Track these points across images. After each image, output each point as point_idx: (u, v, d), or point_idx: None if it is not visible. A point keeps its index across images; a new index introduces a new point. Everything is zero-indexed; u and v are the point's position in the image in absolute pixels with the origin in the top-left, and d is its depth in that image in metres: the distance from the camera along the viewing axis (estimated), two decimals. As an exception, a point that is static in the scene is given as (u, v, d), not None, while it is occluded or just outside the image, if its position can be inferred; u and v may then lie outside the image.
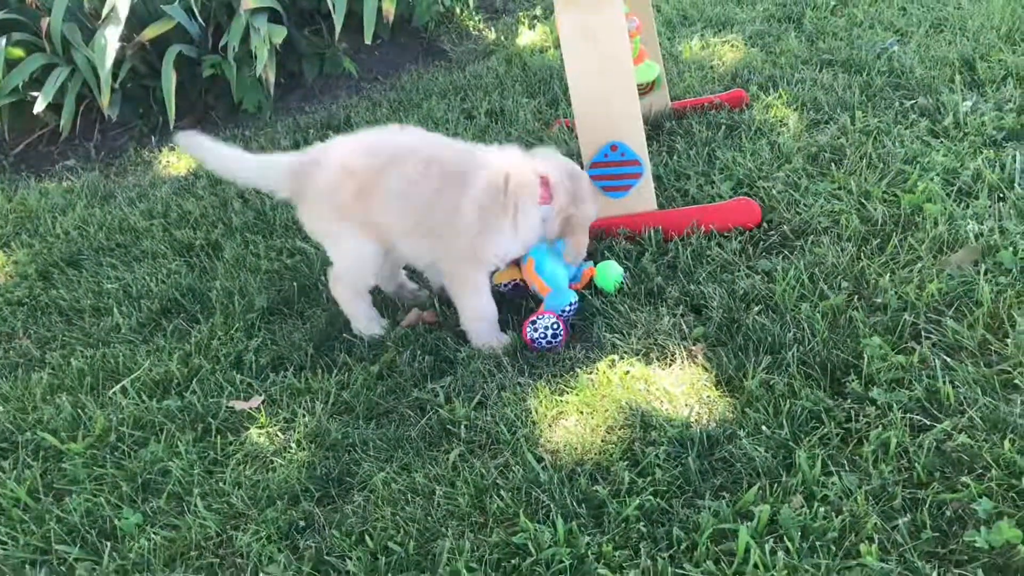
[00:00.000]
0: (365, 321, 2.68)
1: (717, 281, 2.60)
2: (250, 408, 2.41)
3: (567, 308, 2.55)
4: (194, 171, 4.20)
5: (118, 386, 2.57)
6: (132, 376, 2.60)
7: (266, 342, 2.70)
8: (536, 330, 2.49)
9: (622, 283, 2.69)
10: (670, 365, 2.31)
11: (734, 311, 2.44)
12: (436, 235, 2.50)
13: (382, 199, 2.49)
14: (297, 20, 5.19)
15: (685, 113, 3.79)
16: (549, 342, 2.49)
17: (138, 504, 2.14)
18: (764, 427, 2.01)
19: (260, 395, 2.45)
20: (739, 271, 2.63)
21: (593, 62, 2.87)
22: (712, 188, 3.11)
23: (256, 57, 4.68)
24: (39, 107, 4.56)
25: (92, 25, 4.83)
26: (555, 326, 2.48)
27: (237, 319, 2.80)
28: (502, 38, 5.38)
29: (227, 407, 2.42)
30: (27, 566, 1.99)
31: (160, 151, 4.59)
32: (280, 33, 4.71)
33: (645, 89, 3.66)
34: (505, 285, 2.73)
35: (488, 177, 2.48)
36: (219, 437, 2.32)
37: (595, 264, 2.74)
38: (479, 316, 2.54)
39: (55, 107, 4.79)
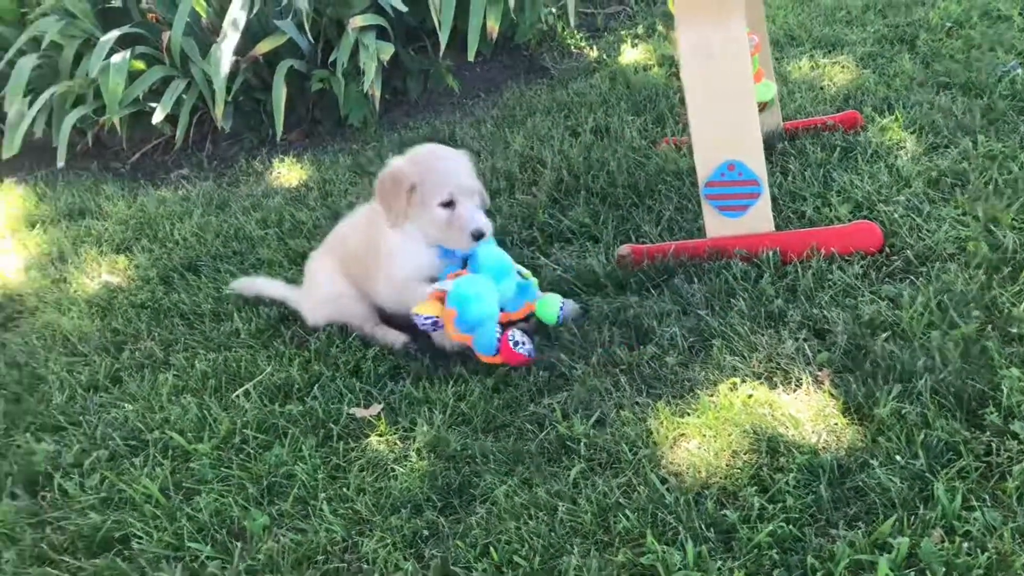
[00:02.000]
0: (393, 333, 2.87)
1: (840, 306, 2.54)
2: (370, 416, 2.44)
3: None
4: (305, 183, 4.30)
5: (241, 389, 2.63)
6: (255, 380, 2.66)
7: (383, 352, 2.74)
8: (518, 344, 2.51)
9: (559, 317, 2.67)
10: (795, 390, 2.27)
11: (859, 337, 2.39)
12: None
13: None
14: (403, 37, 5.28)
15: (797, 134, 3.74)
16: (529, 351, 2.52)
17: (264, 506, 2.18)
18: (898, 457, 1.96)
19: (379, 403, 2.49)
20: (862, 296, 2.57)
21: (713, 79, 2.85)
22: (830, 211, 3.05)
23: (364, 73, 4.78)
24: (157, 118, 4.73)
25: (209, 39, 4.99)
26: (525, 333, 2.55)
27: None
28: (604, 56, 5.39)
29: (348, 414, 2.46)
30: (162, 561, 2.05)
31: (270, 163, 4.71)
32: (388, 50, 4.80)
33: (759, 109, 3.62)
34: (426, 319, 2.55)
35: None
36: (341, 443, 2.36)
37: (535, 299, 2.71)
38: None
39: (171, 118, 4.96)
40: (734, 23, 2.83)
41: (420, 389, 2.51)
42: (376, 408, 2.47)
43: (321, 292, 2.92)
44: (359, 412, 2.45)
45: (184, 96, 4.91)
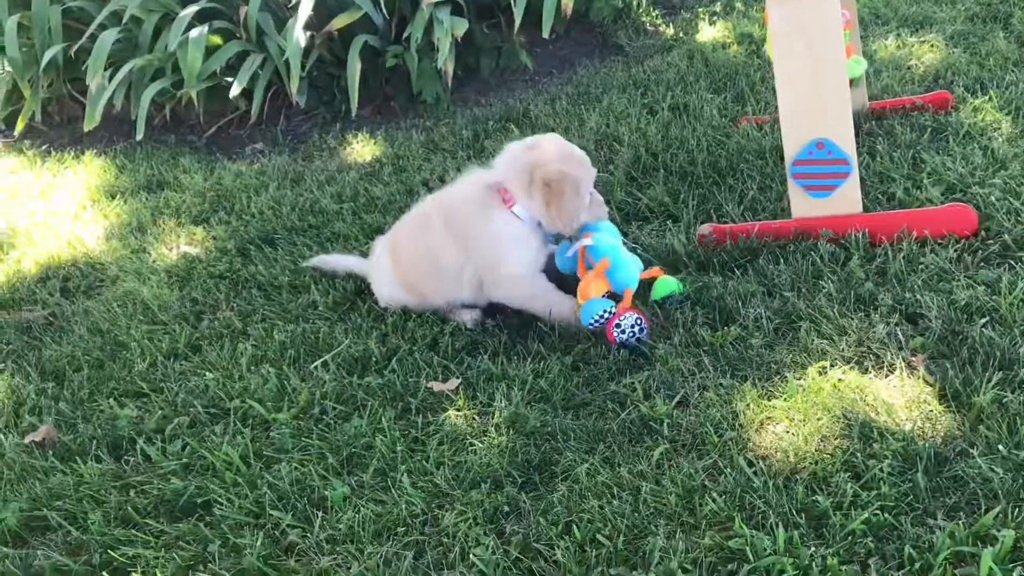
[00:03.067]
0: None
1: (934, 290, 2.45)
2: (448, 390, 2.42)
3: (596, 319, 2.50)
4: (378, 158, 4.29)
5: (319, 360, 2.63)
6: (333, 352, 2.66)
7: (460, 327, 2.72)
8: (623, 331, 2.48)
9: (672, 294, 2.66)
10: (887, 376, 2.19)
11: (955, 322, 2.30)
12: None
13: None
14: (476, 13, 5.24)
15: (885, 113, 3.62)
16: (638, 338, 2.49)
17: (344, 477, 2.18)
18: (1000, 446, 1.88)
19: (457, 378, 2.47)
20: (957, 280, 2.47)
21: (804, 56, 2.76)
22: (920, 192, 2.95)
23: (438, 49, 4.75)
24: (234, 92, 4.76)
25: (284, 15, 5.01)
26: (639, 322, 2.49)
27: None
28: (680, 34, 5.29)
29: (426, 388, 2.44)
30: (244, 528, 2.06)
31: (344, 138, 4.71)
32: (462, 26, 4.77)
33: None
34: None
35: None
36: (419, 416, 2.35)
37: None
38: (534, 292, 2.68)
39: (246, 93, 4.99)
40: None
41: (498, 365, 2.49)
42: (454, 382, 2.45)
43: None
44: (437, 386, 2.44)
45: (260, 71, 4.94)
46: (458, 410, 2.35)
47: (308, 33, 4.85)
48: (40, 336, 3.10)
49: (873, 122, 3.54)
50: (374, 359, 2.62)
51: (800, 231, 2.87)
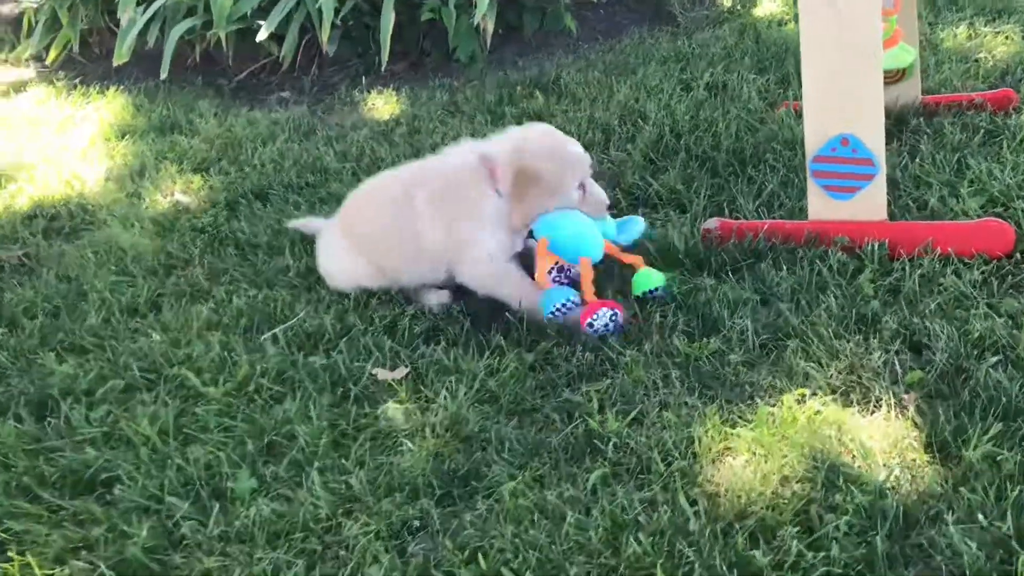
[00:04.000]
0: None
1: (947, 317, 2.16)
2: (393, 379, 2.23)
3: (555, 309, 2.36)
4: (396, 117, 4.09)
5: (270, 333, 2.46)
6: (287, 324, 2.49)
7: (424, 310, 2.52)
8: (596, 331, 2.31)
9: (655, 289, 2.44)
10: (872, 412, 1.92)
11: (963, 357, 2.02)
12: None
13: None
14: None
15: (937, 110, 3.27)
16: (613, 331, 2.33)
17: (258, 466, 2.01)
18: (981, 515, 1.61)
19: (406, 366, 2.27)
20: (976, 308, 2.18)
21: (834, 36, 2.46)
22: (957, 203, 2.63)
23: (475, 4, 4.51)
24: (262, 35, 4.60)
25: (323, -42, 4.81)
26: (614, 316, 2.33)
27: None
28: (738, 6, 4.95)
29: (371, 374, 2.25)
30: (137, 513, 1.90)
31: (368, 93, 4.51)
32: (504, -19, 4.53)
33: (894, 77, 3.18)
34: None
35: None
36: (355, 406, 2.16)
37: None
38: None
39: (279, 38, 4.82)
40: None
41: (452, 357, 2.28)
42: (401, 371, 2.25)
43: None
44: (382, 374, 2.24)
45: (293, 16, 4.76)
46: (399, 403, 2.16)
47: (345, -21, 4.67)
48: (9, 278, 2.99)
49: (922, 118, 3.20)
50: (327, 337, 2.43)
51: (813, 235, 2.59)
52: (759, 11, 4.76)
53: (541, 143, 2.54)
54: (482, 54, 4.81)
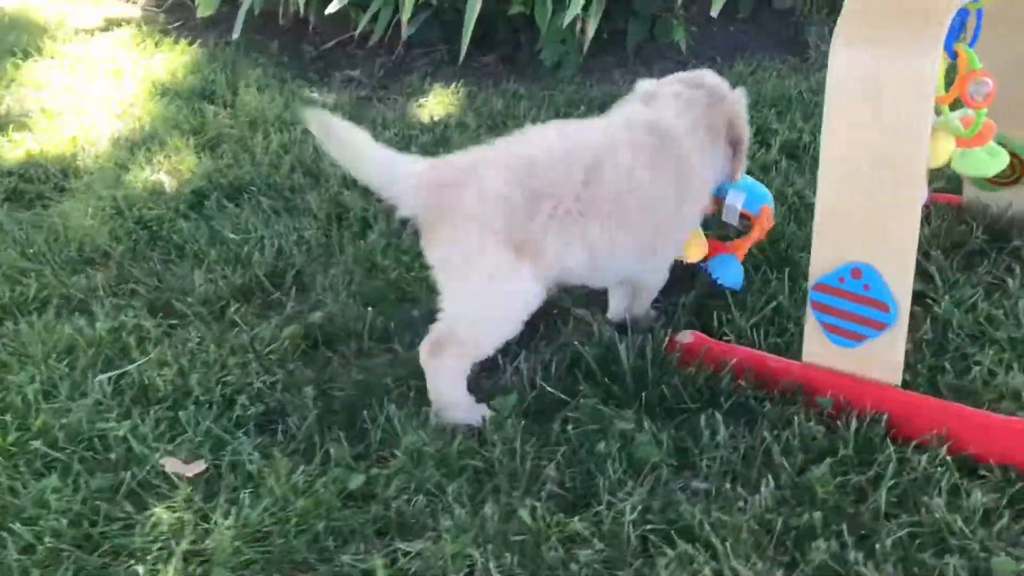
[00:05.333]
0: (467, 405, 1.96)
1: (906, 561, 1.51)
2: (185, 476, 1.80)
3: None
4: (440, 120, 3.63)
5: (104, 375, 2.09)
6: (121, 370, 2.10)
7: (280, 383, 2.07)
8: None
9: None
10: None
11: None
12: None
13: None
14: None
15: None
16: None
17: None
18: None
19: (206, 462, 1.84)
20: (969, 554, 1.51)
21: (866, 130, 1.80)
22: (1011, 382, 1.91)
23: (569, 3, 3.97)
24: (332, 7, 4.24)
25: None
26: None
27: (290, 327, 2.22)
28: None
29: (160, 464, 1.83)
30: None
31: (433, 85, 4.07)
32: (608, -20, 3.96)
33: (1008, 178, 2.43)
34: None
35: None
36: (126, 500, 1.75)
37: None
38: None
39: (364, 10, 4.46)
40: (930, 48, 1.74)
41: (259, 460, 1.82)
42: (198, 467, 1.82)
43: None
44: (172, 466, 1.82)
45: (384, -9, 4.38)
46: (171, 511, 1.73)
47: (439, -43, 4.24)
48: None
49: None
50: (158, 395, 2.03)
51: (796, 385, 1.95)
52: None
53: (715, 81, 2.30)
54: (572, 59, 4.25)
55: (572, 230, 1.92)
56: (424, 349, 1.94)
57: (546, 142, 2.00)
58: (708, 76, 2.27)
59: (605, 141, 2.02)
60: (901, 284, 1.83)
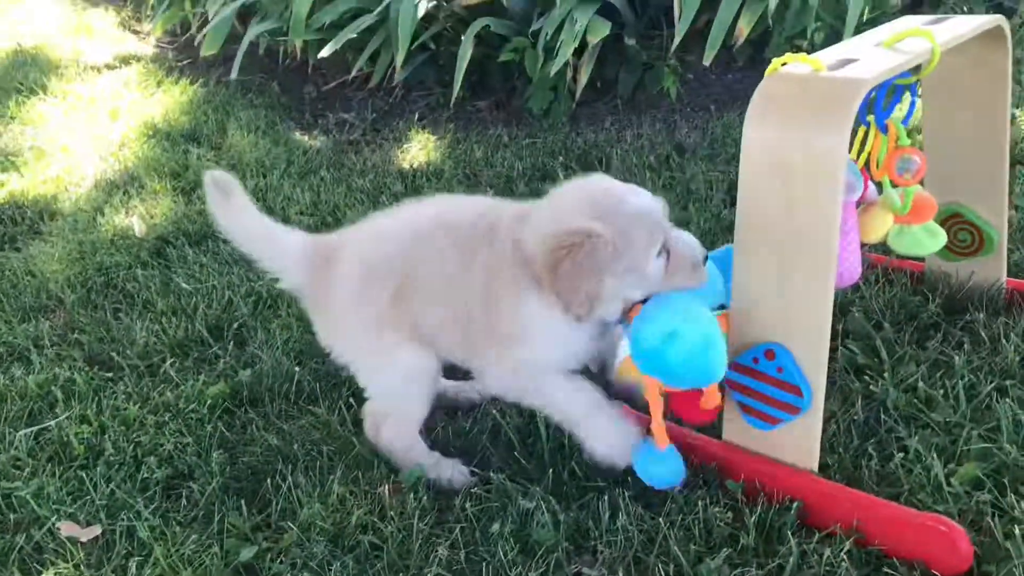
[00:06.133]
0: (447, 464, 1.96)
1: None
2: (80, 540, 1.80)
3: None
4: (418, 167, 3.63)
5: (34, 428, 2.10)
6: (43, 425, 2.12)
7: (192, 446, 2.06)
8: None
9: None
10: None
11: None
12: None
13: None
14: (634, 21, 4.34)
15: (1020, 302, 2.40)
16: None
17: None
18: None
19: (102, 526, 1.83)
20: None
21: (777, 208, 1.76)
22: (932, 469, 1.84)
23: (558, 53, 3.96)
24: (325, 52, 4.28)
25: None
26: None
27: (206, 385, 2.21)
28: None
29: (56, 527, 1.83)
30: None
31: (422, 130, 4.09)
32: (601, 31, 3.95)
33: (969, 248, 2.37)
34: None
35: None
36: (12, 566, 1.75)
37: None
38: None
39: (373, 55, 4.50)
40: (830, 131, 1.70)
41: (152, 526, 1.81)
42: (93, 531, 1.81)
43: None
44: (68, 529, 1.81)
45: (375, 35, 4.42)
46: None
47: (433, 2, 4.26)
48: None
49: (986, 312, 2.34)
50: (72, 453, 2.03)
51: (713, 463, 1.90)
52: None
53: (587, 201, 1.74)
54: (560, 108, 4.23)
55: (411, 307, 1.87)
56: (368, 429, 1.98)
57: (399, 219, 1.96)
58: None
59: (430, 225, 1.89)
60: (815, 367, 1.77)
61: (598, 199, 1.74)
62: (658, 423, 1.80)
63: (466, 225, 1.84)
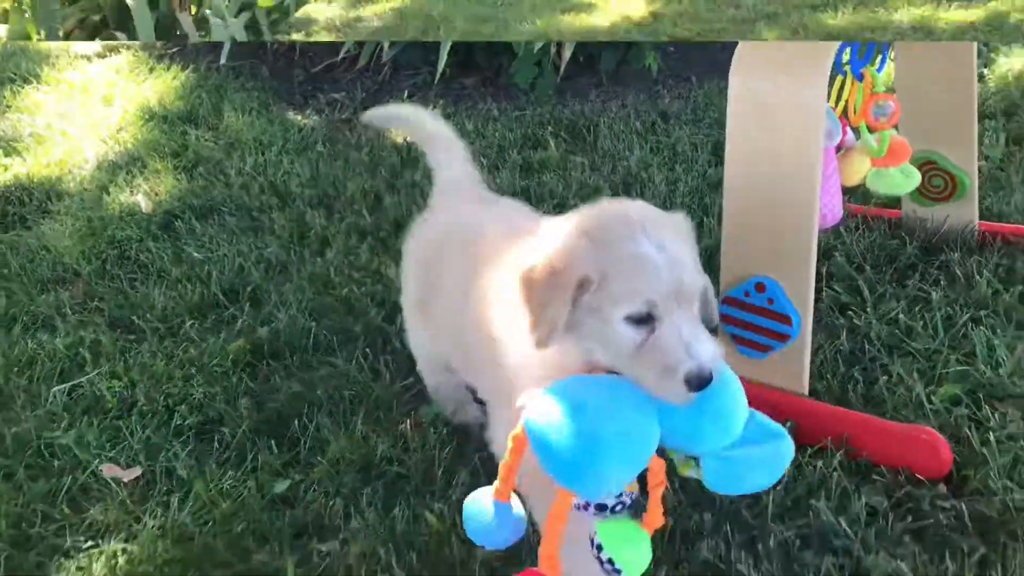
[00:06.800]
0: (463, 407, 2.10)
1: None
2: (122, 480, 1.92)
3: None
4: (397, 146, 3.73)
5: (58, 387, 2.21)
6: (74, 381, 2.23)
7: (220, 395, 2.18)
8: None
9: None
10: None
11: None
12: None
13: None
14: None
15: (991, 242, 2.55)
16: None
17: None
18: None
19: (140, 467, 1.95)
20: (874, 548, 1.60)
21: (762, 155, 1.90)
22: (913, 390, 1.99)
23: (543, 27, 4.09)
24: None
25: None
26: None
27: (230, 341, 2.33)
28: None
29: (99, 469, 1.95)
30: None
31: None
32: (583, 5, 4.07)
33: (942, 193, 2.52)
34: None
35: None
36: (64, 503, 1.87)
37: None
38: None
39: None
40: (812, 76, 1.84)
41: (191, 465, 1.94)
42: (134, 472, 1.94)
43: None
44: (110, 471, 1.94)
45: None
46: (105, 512, 1.84)
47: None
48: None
49: (962, 251, 2.50)
50: (107, 406, 2.15)
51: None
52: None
53: (594, 222, 1.42)
54: (550, 80, 4.35)
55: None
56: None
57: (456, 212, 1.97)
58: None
59: (468, 222, 1.82)
60: (802, 297, 1.91)
61: (603, 224, 1.41)
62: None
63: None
